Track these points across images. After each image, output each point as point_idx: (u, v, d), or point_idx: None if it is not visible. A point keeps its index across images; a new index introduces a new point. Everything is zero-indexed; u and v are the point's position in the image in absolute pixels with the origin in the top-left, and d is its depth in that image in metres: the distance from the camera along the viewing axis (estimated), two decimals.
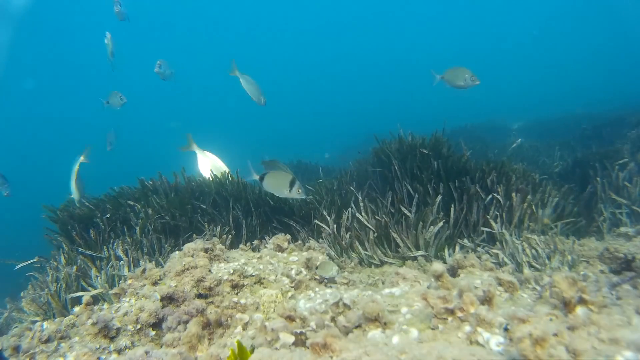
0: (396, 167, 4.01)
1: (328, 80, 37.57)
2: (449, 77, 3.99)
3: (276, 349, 1.67)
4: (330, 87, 36.70)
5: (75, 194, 4.34)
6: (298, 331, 1.72)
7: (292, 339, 1.68)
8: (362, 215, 3.47)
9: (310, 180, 6.81)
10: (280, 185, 2.49)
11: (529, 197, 3.36)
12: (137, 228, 3.79)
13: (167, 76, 5.45)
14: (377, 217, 3.39)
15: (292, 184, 2.44)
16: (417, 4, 36.83)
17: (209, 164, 4.58)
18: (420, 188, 3.63)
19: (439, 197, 3.40)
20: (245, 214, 4.03)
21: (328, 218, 3.60)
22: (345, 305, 1.96)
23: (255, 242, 3.46)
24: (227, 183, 4.36)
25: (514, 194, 3.35)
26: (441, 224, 3.21)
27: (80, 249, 3.69)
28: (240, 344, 1.50)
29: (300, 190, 2.47)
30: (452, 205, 3.43)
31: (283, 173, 2.77)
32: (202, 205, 4.07)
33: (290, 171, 2.81)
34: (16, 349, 2.15)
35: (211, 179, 4.44)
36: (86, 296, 2.50)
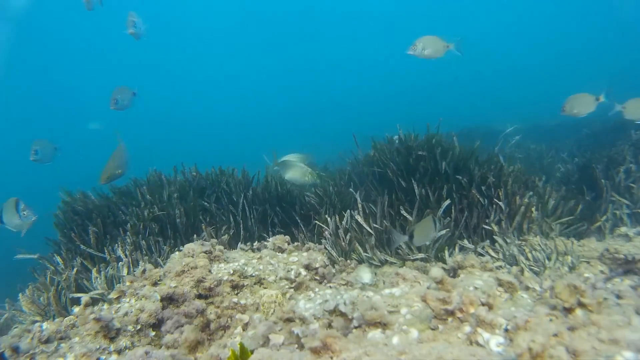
0: (394, 168, 3.99)
1: (327, 82, 37.62)
2: (632, 109, 4.08)
3: (281, 344, 1.68)
4: (331, 90, 36.74)
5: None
6: (296, 332, 1.72)
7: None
8: (360, 217, 3.47)
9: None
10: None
11: (526, 200, 3.35)
12: (128, 231, 3.71)
13: (141, 33, 4.93)
14: (375, 225, 3.40)
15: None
16: (415, 4, 36.87)
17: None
18: (421, 190, 3.61)
19: (447, 201, 3.39)
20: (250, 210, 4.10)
21: (328, 219, 3.61)
22: (341, 312, 1.93)
23: (256, 244, 3.45)
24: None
25: (516, 197, 3.34)
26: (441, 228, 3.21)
27: (83, 247, 3.62)
28: (242, 346, 1.50)
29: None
30: (452, 208, 3.43)
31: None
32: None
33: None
34: (16, 350, 2.14)
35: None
36: (85, 297, 2.50)
